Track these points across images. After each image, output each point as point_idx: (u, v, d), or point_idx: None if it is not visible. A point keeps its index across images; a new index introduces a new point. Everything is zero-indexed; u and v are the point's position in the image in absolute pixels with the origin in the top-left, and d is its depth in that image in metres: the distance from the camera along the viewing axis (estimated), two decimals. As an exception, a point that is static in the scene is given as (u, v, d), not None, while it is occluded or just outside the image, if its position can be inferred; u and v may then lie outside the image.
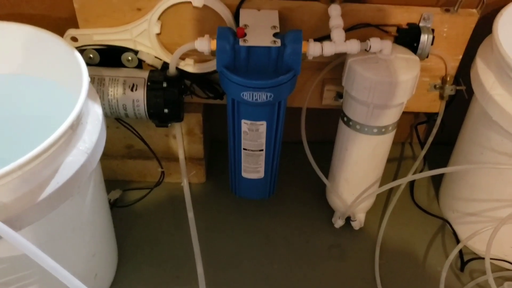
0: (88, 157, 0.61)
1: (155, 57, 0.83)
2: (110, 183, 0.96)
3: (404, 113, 0.83)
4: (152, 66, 0.83)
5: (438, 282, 0.86)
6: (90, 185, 0.69)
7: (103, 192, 0.80)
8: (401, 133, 1.10)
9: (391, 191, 1.01)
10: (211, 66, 0.83)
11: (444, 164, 1.00)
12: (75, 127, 0.60)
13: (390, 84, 0.74)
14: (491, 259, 0.89)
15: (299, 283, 0.89)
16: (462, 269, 0.91)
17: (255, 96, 0.73)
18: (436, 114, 0.92)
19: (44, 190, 0.56)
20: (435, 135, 0.93)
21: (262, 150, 0.84)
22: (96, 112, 0.66)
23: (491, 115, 0.76)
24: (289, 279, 0.89)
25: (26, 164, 0.53)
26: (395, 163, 1.09)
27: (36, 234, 0.61)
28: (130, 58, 0.82)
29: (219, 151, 1.07)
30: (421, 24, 0.80)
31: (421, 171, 1.03)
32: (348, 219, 0.96)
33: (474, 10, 0.81)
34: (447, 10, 0.81)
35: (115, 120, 0.87)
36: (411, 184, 1.04)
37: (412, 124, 1.08)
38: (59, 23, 0.85)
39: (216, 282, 0.87)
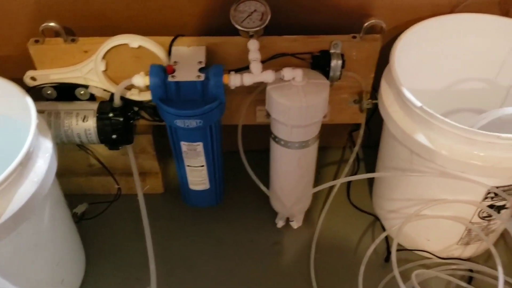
0: (39, 187, 0.73)
1: (104, 90, 0.95)
2: (79, 197, 1.10)
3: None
4: (102, 97, 0.96)
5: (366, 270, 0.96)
6: (46, 206, 0.81)
7: (64, 208, 0.92)
8: (341, 139, 1.22)
9: (329, 192, 1.13)
10: (153, 95, 0.95)
11: (377, 165, 1.11)
12: (24, 164, 0.72)
13: (301, 108, 0.85)
14: (412, 250, 1.03)
15: (244, 277, 1.01)
16: (387, 259, 1.03)
17: (187, 123, 0.86)
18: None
19: (1, 217, 0.69)
20: (365, 140, 1.06)
21: (203, 166, 0.96)
22: (46, 146, 0.78)
23: (390, 129, 0.88)
24: (235, 275, 1.02)
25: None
26: (336, 166, 1.21)
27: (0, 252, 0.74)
28: (82, 92, 0.94)
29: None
30: (331, 51, 0.92)
31: (355, 173, 1.16)
32: (288, 219, 1.08)
33: (378, 36, 0.92)
34: (354, 37, 0.92)
35: (76, 144, 1.00)
36: (348, 185, 1.16)
37: (348, 131, 1.20)
38: (23, 62, 0.96)
39: (170, 281, 0.99)
